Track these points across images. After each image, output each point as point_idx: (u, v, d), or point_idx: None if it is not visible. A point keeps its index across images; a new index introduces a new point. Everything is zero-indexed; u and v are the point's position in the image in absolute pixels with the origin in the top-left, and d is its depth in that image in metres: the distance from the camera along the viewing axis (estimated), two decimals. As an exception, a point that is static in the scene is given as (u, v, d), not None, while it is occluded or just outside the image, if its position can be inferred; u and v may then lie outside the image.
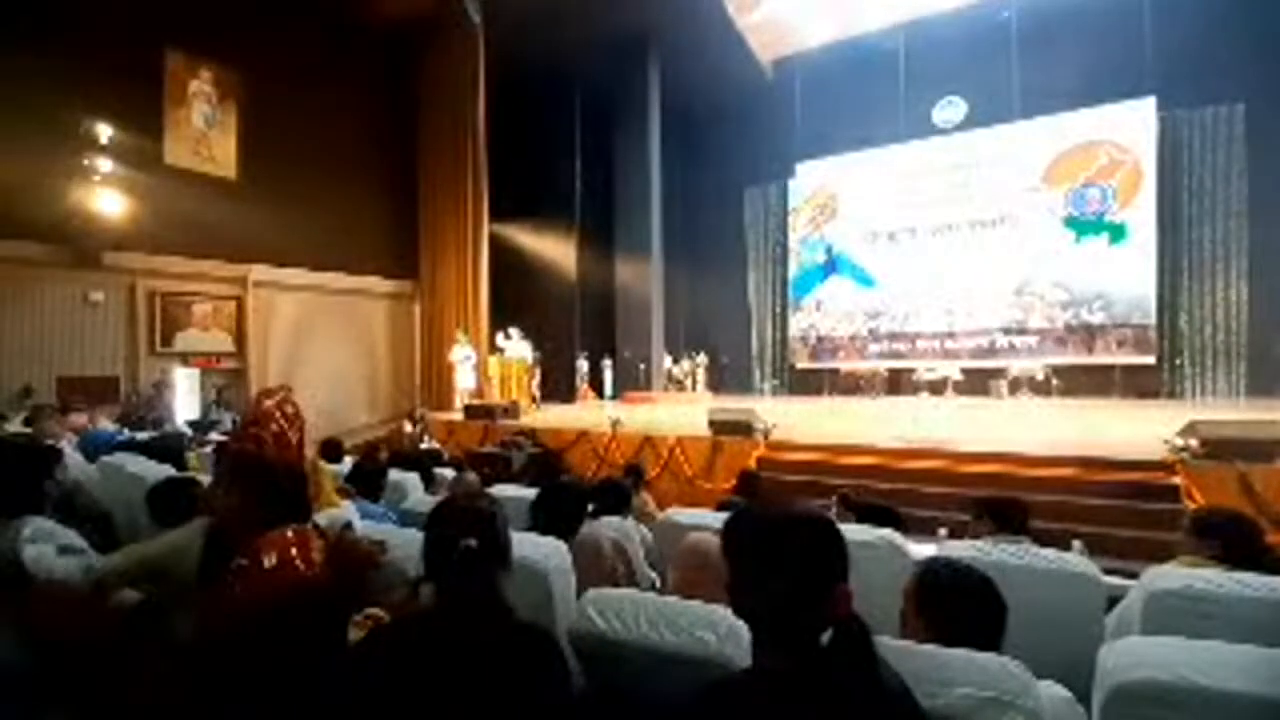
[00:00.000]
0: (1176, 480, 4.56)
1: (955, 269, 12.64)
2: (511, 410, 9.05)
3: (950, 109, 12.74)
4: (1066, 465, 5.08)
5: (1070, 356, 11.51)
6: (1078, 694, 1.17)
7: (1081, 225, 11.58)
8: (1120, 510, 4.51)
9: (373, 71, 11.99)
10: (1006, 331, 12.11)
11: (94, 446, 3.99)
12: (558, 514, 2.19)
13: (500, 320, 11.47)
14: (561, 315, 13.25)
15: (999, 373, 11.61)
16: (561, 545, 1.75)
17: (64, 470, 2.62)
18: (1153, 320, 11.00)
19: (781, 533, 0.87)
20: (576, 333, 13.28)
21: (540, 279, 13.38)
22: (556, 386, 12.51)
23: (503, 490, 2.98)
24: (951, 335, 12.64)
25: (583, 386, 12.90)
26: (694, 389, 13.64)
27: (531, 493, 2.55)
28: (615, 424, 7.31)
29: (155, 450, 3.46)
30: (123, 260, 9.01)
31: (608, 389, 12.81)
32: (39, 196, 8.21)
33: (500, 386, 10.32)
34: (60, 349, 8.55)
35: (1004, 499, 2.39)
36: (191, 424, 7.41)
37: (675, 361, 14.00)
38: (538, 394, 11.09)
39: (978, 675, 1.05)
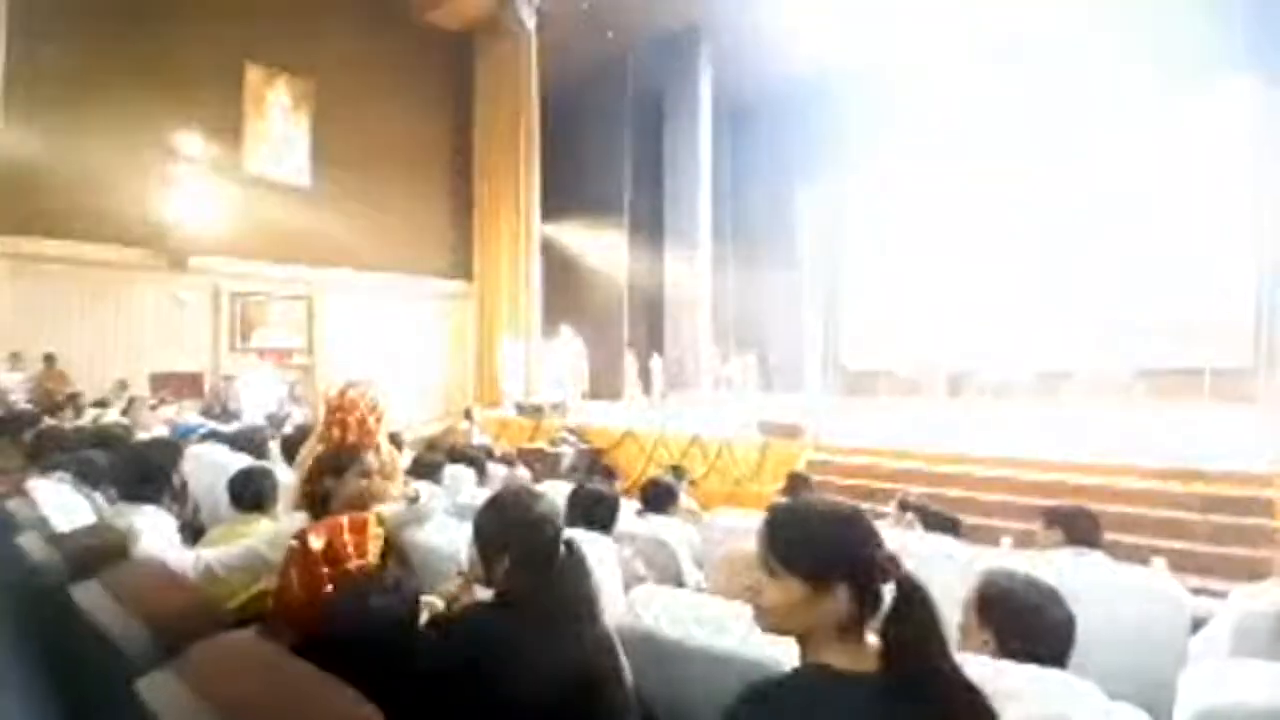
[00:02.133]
0: (1273, 494, 4.18)
1: (1024, 264, 11.97)
2: (560, 408, 9.21)
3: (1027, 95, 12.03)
4: (1147, 475, 4.74)
5: (1155, 357, 10.69)
6: (1156, 718, 1.10)
7: (1168, 215, 10.74)
8: (1207, 525, 4.17)
9: (432, 77, 12.45)
10: (1082, 330, 11.37)
11: (184, 437, 4.31)
12: (589, 517, 2.18)
13: (551, 318, 11.67)
14: (610, 313, 13.36)
15: (1072, 374, 10.92)
16: (609, 542, 1.77)
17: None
18: (1249, 319, 10.07)
19: (806, 525, 0.86)
20: (625, 330, 13.35)
21: (589, 277, 13.53)
22: (604, 384, 12.62)
23: (552, 486, 3.04)
24: (1020, 334, 11.97)
25: (630, 385, 12.95)
26: (743, 388, 13.45)
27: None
28: (663, 423, 7.33)
29: (240, 442, 3.71)
30: (207, 263, 9.70)
31: (655, 388, 12.81)
32: (135, 204, 8.96)
33: (549, 384, 10.51)
34: (152, 345, 9.29)
35: (1075, 508, 2.26)
36: (268, 417, 7.90)
37: (724, 360, 13.86)
38: (586, 392, 11.22)
39: (1045, 692, 1.00)
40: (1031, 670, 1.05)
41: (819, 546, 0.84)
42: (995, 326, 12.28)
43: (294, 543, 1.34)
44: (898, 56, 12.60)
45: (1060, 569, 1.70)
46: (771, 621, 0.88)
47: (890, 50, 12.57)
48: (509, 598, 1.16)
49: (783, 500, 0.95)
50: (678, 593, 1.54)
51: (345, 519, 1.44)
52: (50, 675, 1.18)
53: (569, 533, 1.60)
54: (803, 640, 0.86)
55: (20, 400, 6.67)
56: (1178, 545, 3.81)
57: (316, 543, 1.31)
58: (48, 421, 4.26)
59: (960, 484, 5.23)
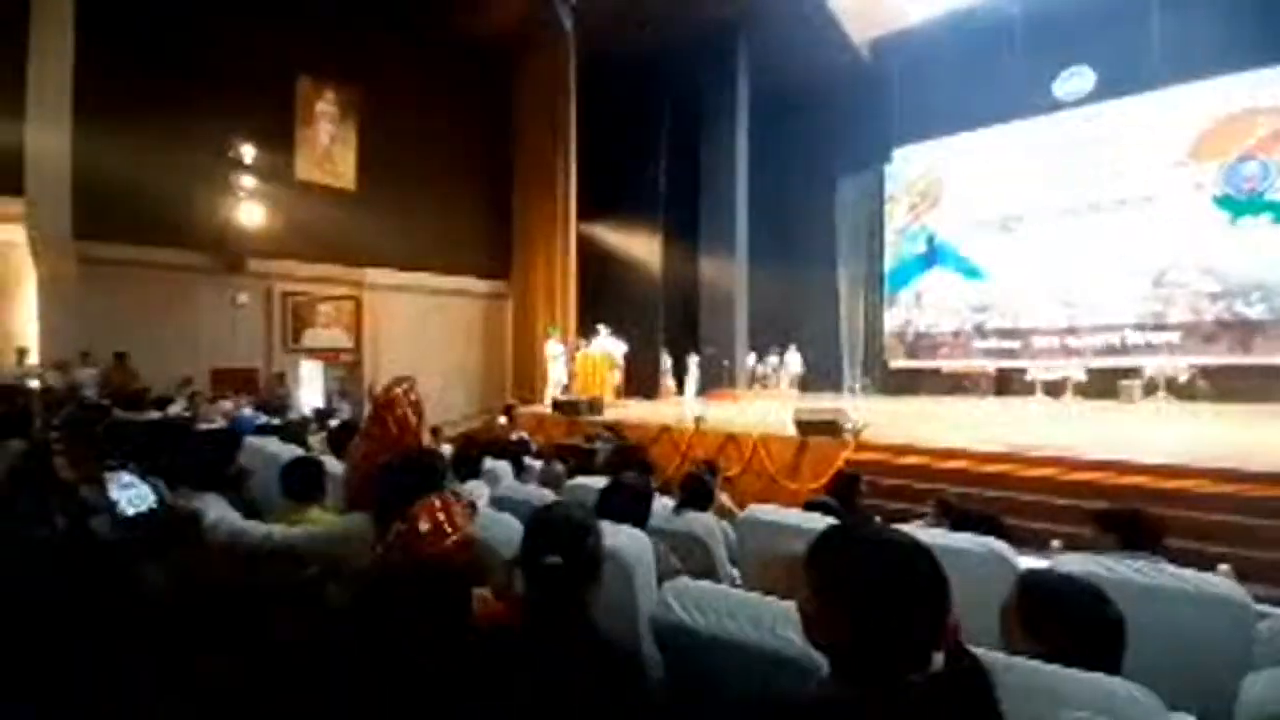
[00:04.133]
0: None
1: (1079, 258, 11.40)
2: (595, 405, 9.27)
3: (1076, 80, 11.47)
4: (1212, 478, 4.46)
5: (1221, 355, 10.06)
6: (1217, 731, 1.04)
7: (1237, 205, 10.07)
8: (1275, 530, 3.90)
9: (473, 81, 12.70)
10: (1141, 327, 10.78)
11: (240, 429, 4.53)
12: (624, 510, 2.18)
13: (588, 317, 11.76)
14: (645, 312, 13.37)
15: (1131, 373, 10.38)
16: (643, 535, 1.77)
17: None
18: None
19: (878, 560, 0.79)
20: (660, 329, 13.35)
21: (625, 276, 13.57)
22: (640, 383, 12.65)
23: (586, 482, 3.06)
24: (1073, 331, 11.44)
25: (666, 383, 12.95)
26: (780, 387, 13.28)
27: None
28: (698, 420, 7.30)
29: (285, 433, 3.89)
30: (262, 266, 10.16)
31: (690, 386, 12.80)
32: (198, 211, 9.47)
33: (586, 382, 10.59)
34: (213, 344, 9.80)
35: (1132, 511, 2.15)
36: (316, 412, 8.23)
37: (760, 359, 13.70)
38: (622, 390, 11.27)
39: (1096, 697, 0.96)
40: (1081, 675, 1.01)
41: (863, 589, 0.78)
42: (1047, 322, 11.76)
43: (402, 527, 1.45)
44: (941, 40, 12.20)
45: (1115, 572, 1.62)
46: (809, 635, 0.86)
47: (934, 34, 12.18)
48: (521, 621, 1.16)
49: (837, 531, 0.88)
50: (711, 586, 1.54)
51: (438, 499, 1.52)
52: (121, 648, 1.26)
53: (606, 525, 1.61)
54: (831, 659, 0.83)
55: (92, 395, 7.12)
56: (1243, 552, 3.58)
57: (425, 525, 1.43)
58: (118, 414, 4.54)
59: (1007, 485, 5.04)
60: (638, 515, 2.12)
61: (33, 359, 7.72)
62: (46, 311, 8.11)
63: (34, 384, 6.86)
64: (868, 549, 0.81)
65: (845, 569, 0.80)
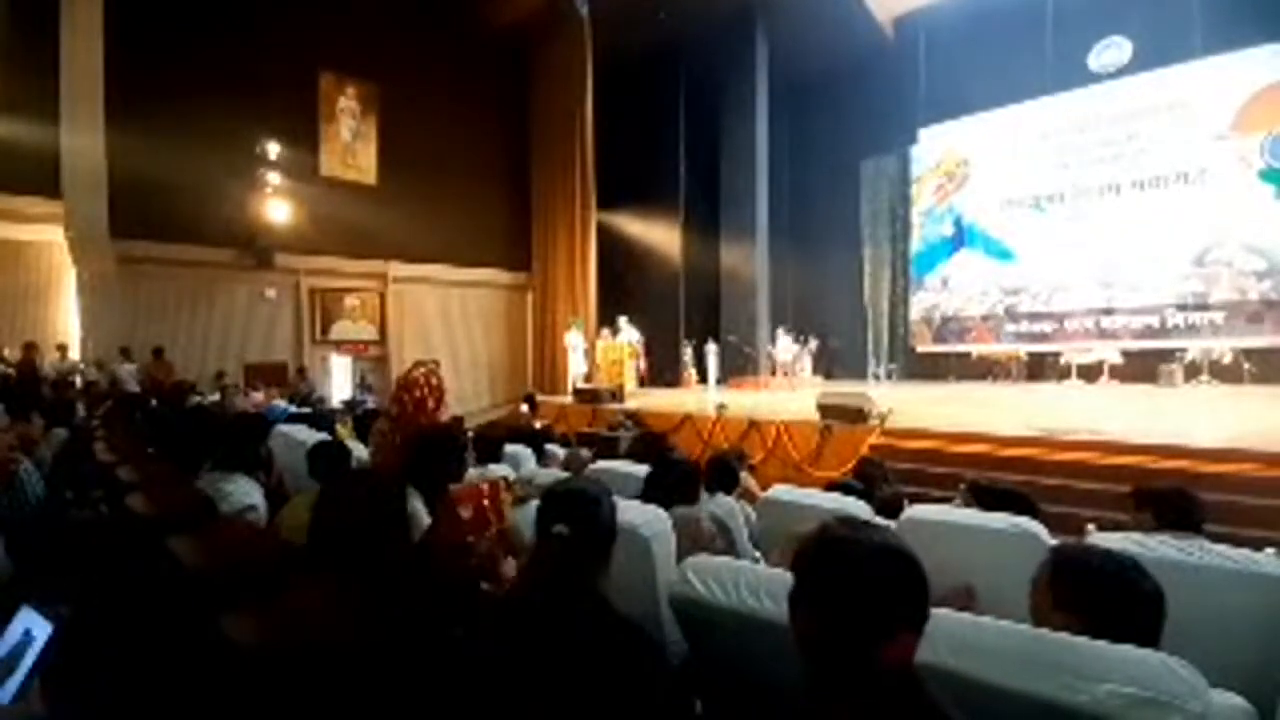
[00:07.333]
0: None
1: (1117, 236, 10.98)
2: (617, 394, 9.29)
3: (1111, 51, 11.01)
4: (1256, 461, 4.29)
5: (1267, 336, 9.64)
6: (1262, 711, 0.99)
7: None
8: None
9: (491, 74, 12.72)
10: (1182, 307, 10.36)
11: (272, 419, 4.64)
12: (672, 490, 2.18)
13: (609, 307, 11.76)
14: (667, 300, 13.32)
15: (1172, 355, 10.01)
16: (663, 513, 1.77)
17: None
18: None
19: (857, 560, 0.77)
20: (681, 318, 13.29)
21: (646, 265, 13.52)
22: (662, 372, 12.63)
23: (610, 465, 3.06)
24: (1110, 312, 11.06)
25: (687, 372, 12.91)
26: (803, 374, 13.13)
27: (639, 469, 2.58)
28: (720, 408, 7.26)
29: (314, 421, 3.98)
30: (289, 261, 10.36)
31: (712, 374, 12.73)
32: (227, 208, 9.68)
33: (607, 372, 10.61)
34: (245, 339, 10.05)
35: (1170, 488, 2.07)
36: (344, 403, 8.41)
37: (782, 345, 13.54)
38: (644, 379, 11.27)
39: (1134, 672, 0.92)
40: (1117, 648, 0.97)
41: (825, 586, 0.79)
42: (1082, 303, 11.38)
43: (442, 512, 1.47)
44: (968, 15, 11.82)
45: (1154, 550, 1.56)
46: (790, 622, 0.87)
47: (960, 8, 11.81)
48: (527, 592, 1.15)
49: (830, 530, 0.86)
50: (732, 561, 1.53)
51: (486, 485, 1.53)
52: (146, 615, 1.31)
53: (628, 504, 1.60)
54: (801, 650, 0.84)
55: (132, 388, 7.37)
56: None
57: (466, 512, 1.44)
58: (153, 404, 4.69)
59: (1037, 469, 4.91)
60: (688, 492, 2.11)
61: (73, 355, 8.00)
62: (86, 309, 8.39)
63: (76, 379, 7.12)
64: (840, 549, 0.80)
65: (816, 565, 0.81)
